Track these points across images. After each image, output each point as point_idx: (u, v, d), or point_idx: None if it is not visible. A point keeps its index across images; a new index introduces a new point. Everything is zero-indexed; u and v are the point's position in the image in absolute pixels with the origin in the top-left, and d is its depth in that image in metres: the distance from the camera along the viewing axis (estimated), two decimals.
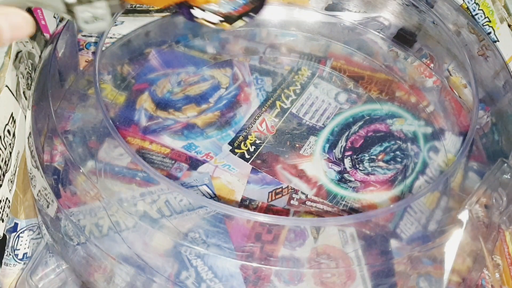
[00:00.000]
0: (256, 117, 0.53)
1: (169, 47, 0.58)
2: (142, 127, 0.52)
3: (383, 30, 0.59)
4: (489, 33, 0.53)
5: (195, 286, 0.42)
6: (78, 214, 0.42)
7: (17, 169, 0.45)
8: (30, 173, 0.44)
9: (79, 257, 0.41)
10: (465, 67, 0.50)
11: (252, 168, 0.50)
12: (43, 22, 0.51)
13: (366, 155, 0.52)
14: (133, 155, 0.40)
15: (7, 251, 0.44)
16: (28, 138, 0.45)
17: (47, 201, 0.42)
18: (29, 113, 0.45)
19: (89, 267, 0.41)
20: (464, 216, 0.38)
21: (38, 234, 0.45)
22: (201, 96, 0.55)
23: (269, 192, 0.49)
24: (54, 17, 0.53)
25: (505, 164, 0.40)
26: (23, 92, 0.46)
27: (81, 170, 0.41)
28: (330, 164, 0.51)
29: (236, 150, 0.51)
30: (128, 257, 0.41)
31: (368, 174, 0.51)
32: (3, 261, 0.43)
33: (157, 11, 0.58)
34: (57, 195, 0.42)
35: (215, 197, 0.48)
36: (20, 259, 0.44)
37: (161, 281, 0.41)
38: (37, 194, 0.43)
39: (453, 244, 0.39)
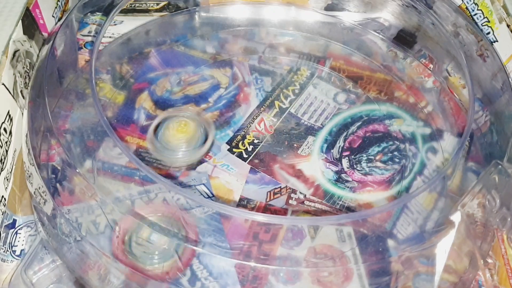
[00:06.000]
0: (255, 117, 0.53)
1: (169, 46, 0.58)
2: (141, 126, 0.52)
3: (383, 31, 0.59)
4: (488, 33, 0.52)
5: (190, 284, 0.42)
6: (74, 212, 0.42)
7: (14, 167, 0.45)
8: (27, 171, 0.44)
9: (74, 254, 0.42)
10: (462, 67, 0.50)
11: (251, 168, 0.50)
12: (41, 21, 0.51)
13: (364, 155, 0.52)
14: (129, 155, 0.40)
15: (5, 248, 0.44)
16: (25, 136, 0.45)
17: (43, 199, 0.42)
18: (25, 112, 0.46)
19: (84, 264, 0.41)
20: (456, 217, 0.38)
21: (36, 230, 0.46)
22: (201, 96, 0.55)
23: (267, 192, 0.49)
24: (53, 16, 0.53)
25: (499, 166, 0.40)
26: (21, 91, 0.46)
27: (77, 170, 0.41)
28: (327, 164, 0.51)
29: (234, 150, 0.51)
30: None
31: (365, 174, 0.50)
32: (1, 257, 0.44)
33: (157, 10, 0.58)
34: (54, 194, 0.42)
35: (213, 197, 0.48)
36: (18, 255, 0.44)
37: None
38: (34, 192, 0.43)
39: (446, 244, 0.39)
